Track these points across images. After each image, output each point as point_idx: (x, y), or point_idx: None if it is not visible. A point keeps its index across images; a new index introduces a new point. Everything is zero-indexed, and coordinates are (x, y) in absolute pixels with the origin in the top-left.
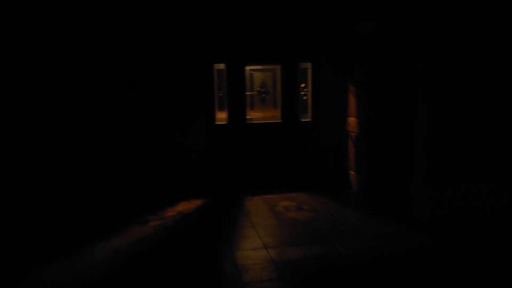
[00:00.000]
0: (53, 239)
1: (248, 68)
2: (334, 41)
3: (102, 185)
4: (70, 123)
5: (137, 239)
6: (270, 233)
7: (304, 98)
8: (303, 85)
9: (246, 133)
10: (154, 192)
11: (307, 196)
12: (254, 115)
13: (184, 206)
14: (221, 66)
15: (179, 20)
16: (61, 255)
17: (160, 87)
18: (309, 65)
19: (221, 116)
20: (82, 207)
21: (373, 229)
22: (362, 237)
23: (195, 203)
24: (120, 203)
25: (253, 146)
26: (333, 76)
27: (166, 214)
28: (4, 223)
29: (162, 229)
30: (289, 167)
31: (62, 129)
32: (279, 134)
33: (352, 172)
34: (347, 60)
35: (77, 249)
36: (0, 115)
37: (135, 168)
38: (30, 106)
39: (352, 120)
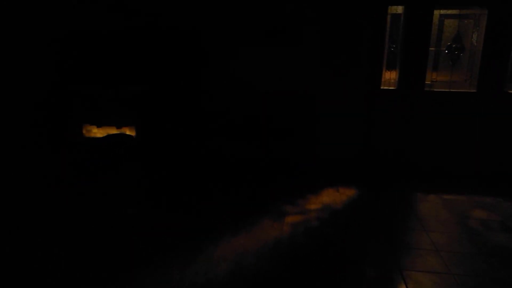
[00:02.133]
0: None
1: (437, 12)
2: None
3: (230, 154)
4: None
5: (269, 246)
6: (465, 270)
7: None
8: None
9: (423, 105)
10: (291, 171)
11: None
12: (437, 80)
13: (331, 196)
14: (399, 9)
15: None
16: (168, 256)
17: (309, 37)
18: None
19: (389, 78)
20: (201, 184)
21: None
22: None
23: (345, 193)
24: (249, 183)
25: (431, 124)
26: None
27: (308, 205)
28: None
29: (304, 233)
30: (484, 161)
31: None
32: (471, 110)
33: None
34: None
35: (190, 249)
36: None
37: (269, 136)
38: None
39: None
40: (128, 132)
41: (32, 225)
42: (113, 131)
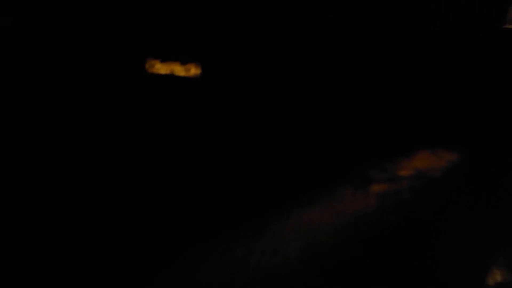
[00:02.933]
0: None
1: None
2: None
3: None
4: None
5: (349, 223)
6: None
7: None
8: None
9: None
10: (376, 125)
11: None
12: None
13: (427, 161)
14: None
15: None
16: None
17: None
18: None
19: None
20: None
21: None
22: None
23: (445, 157)
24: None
25: None
26: None
27: (398, 171)
28: None
29: (394, 208)
30: None
31: None
32: None
33: None
34: None
35: (253, 222)
36: None
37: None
38: None
39: None
40: (193, 70)
41: None
42: (177, 67)
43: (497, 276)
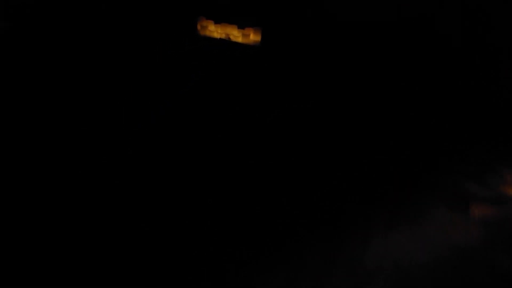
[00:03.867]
0: None
1: None
2: None
3: None
4: None
5: (443, 257)
6: None
7: None
8: None
9: None
10: (473, 121)
11: None
12: None
13: None
14: None
15: None
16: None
17: None
18: None
19: None
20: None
21: None
22: None
23: None
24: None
25: None
26: None
27: (506, 188)
28: None
29: (506, 242)
30: None
31: None
32: None
33: None
34: None
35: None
36: None
37: None
38: None
39: None
40: (252, 35)
41: None
42: (234, 31)
43: None
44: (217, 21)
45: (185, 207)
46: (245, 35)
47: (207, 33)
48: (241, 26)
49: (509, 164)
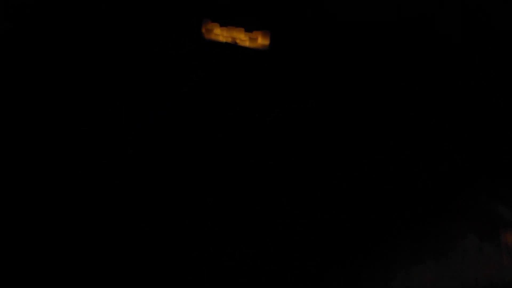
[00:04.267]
0: None
1: None
2: None
3: None
4: None
5: None
6: None
7: None
8: None
9: None
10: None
11: None
12: None
13: None
14: None
15: None
16: None
17: None
18: None
19: None
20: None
21: None
22: None
23: None
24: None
25: None
26: None
27: None
28: None
29: None
30: None
31: None
32: None
33: None
34: None
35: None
36: None
37: None
38: None
39: None
40: (260, 39)
41: None
42: (241, 34)
43: None
44: (223, 23)
45: (185, 207)
46: (252, 39)
47: (212, 36)
48: (248, 29)
49: None
